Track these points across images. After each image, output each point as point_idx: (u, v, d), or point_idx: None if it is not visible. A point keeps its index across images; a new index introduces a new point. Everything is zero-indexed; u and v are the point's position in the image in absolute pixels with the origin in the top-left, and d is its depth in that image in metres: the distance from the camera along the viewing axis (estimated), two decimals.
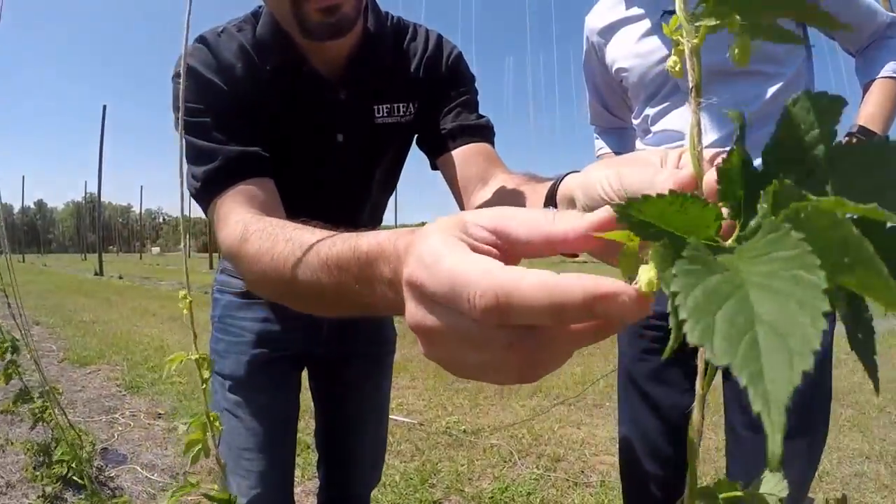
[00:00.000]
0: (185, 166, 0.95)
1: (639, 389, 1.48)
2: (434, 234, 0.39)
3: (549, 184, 0.79)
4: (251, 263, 0.72)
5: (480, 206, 0.96)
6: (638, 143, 1.54)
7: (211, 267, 14.85)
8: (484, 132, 1.06)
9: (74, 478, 2.46)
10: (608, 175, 0.52)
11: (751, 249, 0.24)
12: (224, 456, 0.99)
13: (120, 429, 3.51)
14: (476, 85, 1.13)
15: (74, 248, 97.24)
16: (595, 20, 1.57)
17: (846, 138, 1.34)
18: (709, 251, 0.24)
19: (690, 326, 0.20)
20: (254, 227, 0.75)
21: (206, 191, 0.89)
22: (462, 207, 1.03)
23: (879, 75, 1.34)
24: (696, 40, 0.32)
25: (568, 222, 0.37)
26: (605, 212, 0.35)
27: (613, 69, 1.52)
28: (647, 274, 0.29)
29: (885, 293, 0.20)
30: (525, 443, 3.36)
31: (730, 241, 0.27)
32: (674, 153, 0.50)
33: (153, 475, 2.84)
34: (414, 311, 0.38)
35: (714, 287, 0.22)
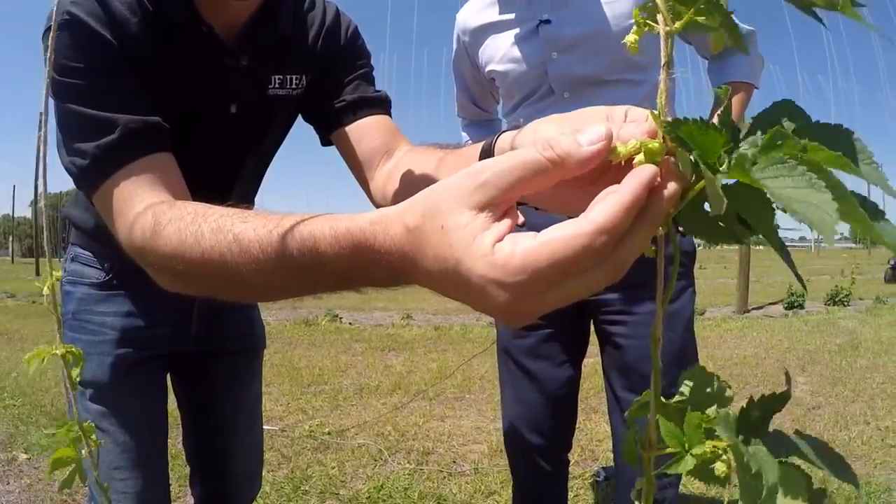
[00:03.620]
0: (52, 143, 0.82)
1: (518, 365, 1.55)
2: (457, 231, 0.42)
3: (469, 148, 0.79)
4: (171, 260, 0.63)
5: (400, 183, 0.91)
6: None
7: (37, 273, 13.15)
8: (384, 105, 1.03)
9: None
10: (564, 133, 0.52)
11: (766, 171, 0.35)
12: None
13: None
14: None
15: None
16: (466, 19, 1.60)
17: None
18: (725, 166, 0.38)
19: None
20: (167, 215, 0.65)
21: (98, 170, 0.75)
22: (363, 181, 0.99)
23: (734, 79, 1.53)
24: (677, 25, 0.40)
25: (589, 139, 0.43)
26: (602, 131, 0.43)
27: (486, 70, 1.57)
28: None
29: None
30: (392, 440, 3.35)
31: (723, 168, 0.38)
32: (619, 109, 0.53)
33: None
34: (514, 298, 0.41)
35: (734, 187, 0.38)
